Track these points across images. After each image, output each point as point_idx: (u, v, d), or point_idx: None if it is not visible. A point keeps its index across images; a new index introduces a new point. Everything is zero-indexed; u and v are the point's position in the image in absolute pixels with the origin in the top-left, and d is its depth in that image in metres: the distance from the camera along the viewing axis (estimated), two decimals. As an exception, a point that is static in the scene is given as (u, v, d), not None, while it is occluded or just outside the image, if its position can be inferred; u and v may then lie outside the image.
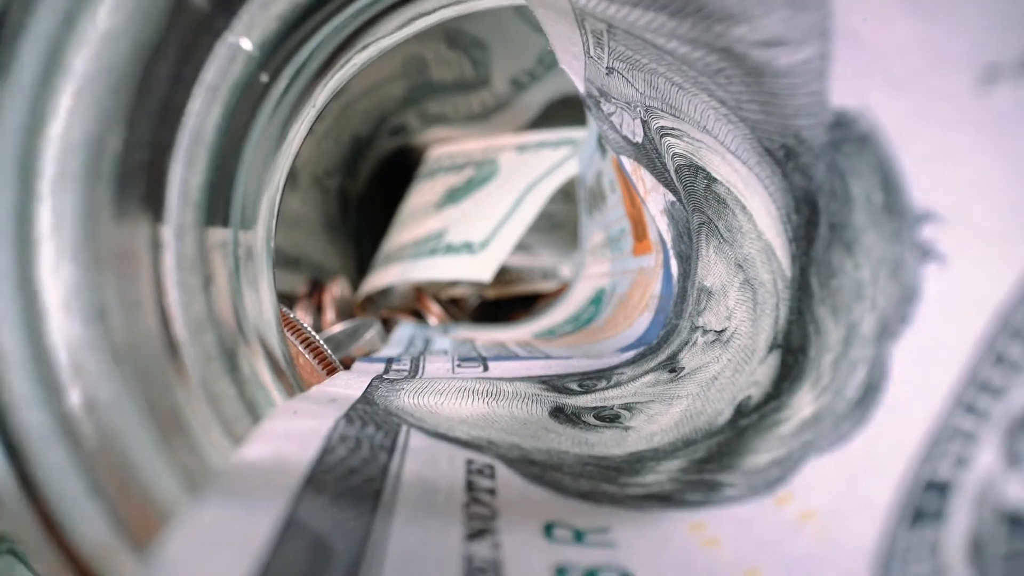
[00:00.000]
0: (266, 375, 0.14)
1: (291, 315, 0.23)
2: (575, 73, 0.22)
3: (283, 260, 0.49)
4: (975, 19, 0.08)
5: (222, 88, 0.12)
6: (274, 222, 0.17)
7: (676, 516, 0.12)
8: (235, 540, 0.09)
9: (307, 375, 0.21)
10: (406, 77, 0.51)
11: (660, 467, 0.15)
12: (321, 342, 0.23)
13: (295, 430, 0.13)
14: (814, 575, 0.10)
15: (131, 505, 0.10)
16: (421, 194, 0.51)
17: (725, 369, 0.18)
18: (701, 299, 0.22)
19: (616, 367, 0.24)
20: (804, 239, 0.15)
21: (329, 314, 0.46)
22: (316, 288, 0.50)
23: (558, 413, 0.19)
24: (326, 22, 0.14)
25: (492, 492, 0.13)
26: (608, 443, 0.17)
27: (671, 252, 0.25)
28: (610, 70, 0.20)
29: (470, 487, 0.12)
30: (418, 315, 0.47)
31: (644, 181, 0.25)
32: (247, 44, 0.12)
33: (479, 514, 0.12)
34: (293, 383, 0.16)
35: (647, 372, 0.22)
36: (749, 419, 0.15)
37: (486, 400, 0.19)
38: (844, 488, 0.11)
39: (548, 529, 0.12)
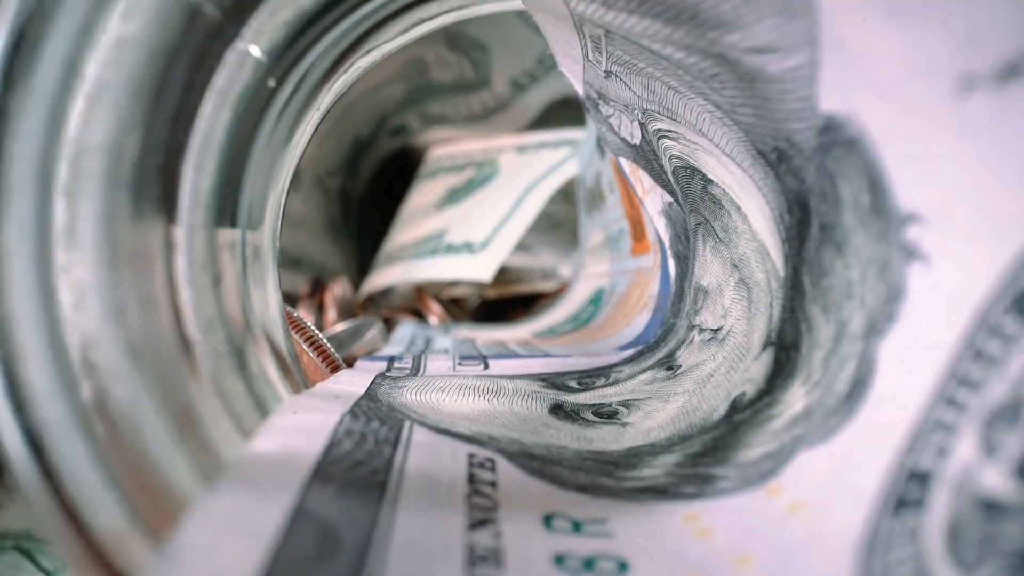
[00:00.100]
0: (273, 372, 0.15)
1: (295, 314, 0.24)
2: (574, 76, 0.23)
3: (285, 260, 0.49)
4: (952, 31, 0.08)
5: (231, 93, 0.13)
6: (279, 222, 0.18)
7: (671, 508, 0.13)
8: (248, 528, 0.09)
9: (311, 373, 0.22)
10: (406, 78, 0.51)
11: (656, 461, 0.16)
12: (324, 341, 0.23)
13: (302, 425, 0.13)
14: (802, 562, 0.10)
15: (147, 495, 0.11)
16: (422, 194, 0.51)
17: (721, 366, 0.19)
18: (698, 298, 0.23)
19: (615, 365, 0.24)
20: (796, 239, 0.15)
21: (331, 313, 0.47)
22: (318, 288, 0.51)
23: (557, 410, 0.19)
24: (331, 28, 0.15)
25: (493, 485, 0.13)
26: (606, 439, 0.17)
27: (669, 252, 0.26)
28: (608, 74, 0.20)
29: (472, 479, 0.13)
30: (419, 315, 0.47)
31: (642, 182, 0.26)
32: (256, 51, 0.13)
33: (481, 505, 0.12)
34: (299, 380, 0.16)
35: (645, 370, 0.23)
36: (743, 415, 0.16)
37: (487, 397, 0.20)
38: (832, 479, 0.11)
39: (547, 520, 0.12)
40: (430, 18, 0.18)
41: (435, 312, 0.47)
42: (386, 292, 0.50)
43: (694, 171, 0.20)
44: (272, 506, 0.10)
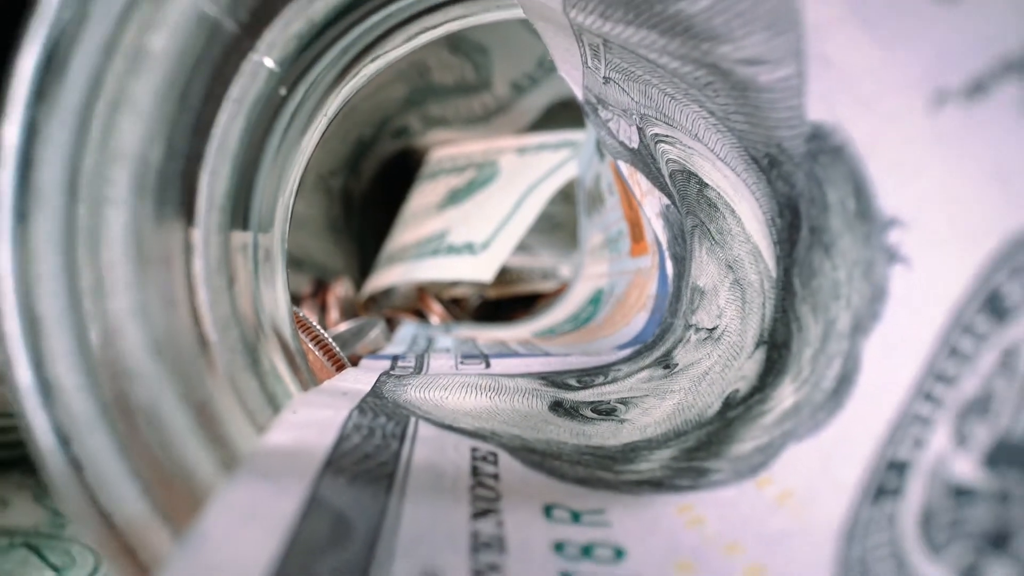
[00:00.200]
0: (283, 369, 0.15)
1: (300, 314, 0.24)
2: (574, 81, 0.23)
3: (288, 261, 0.50)
4: (924, 50, 0.09)
5: (246, 102, 0.13)
6: (287, 224, 0.18)
7: (666, 499, 0.13)
8: (265, 516, 0.10)
9: (318, 371, 0.22)
10: (408, 80, 0.52)
11: (653, 456, 0.16)
12: (330, 340, 0.24)
13: (313, 419, 0.14)
14: (787, 548, 0.11)
15: (168, 486, 0.11)
16: (423, 195, 0.52)
17: (715, 365, 0.19)
18: (694, 298, 0.23)
19: (613, 364, 0.25)
20: (787, 242, 0.16)
21: (333, 313, 0.47)
22: (320, 288, 0.51)
23: (557, 407, 0.20)
24: (340, 39, 0.15)
25: (496, 477, 0.14)
26: (604, 434, 0.18)
27: (666, 253, 0.26)
28: (607, 80, 0.21)
29: (475, 472, 0.13)
30: (420, 315, 0.48)
31: (640, 185, 0.26)
32: (269, 62, 0.13)
33: (484, 496, 0.13)
34: (307, 377, 0.17)
35: (643, 368, 0.23)
36: (736, 411, 0.16)
37: (489, 395, 0.20)
38: (818, 471, 0.12)
39: (547, 510, 0.13)
40: (434, 27, 0.19)
41: (436, 312, 0.47)
42: (388, 292, 0.50)
43: (690, 175, 0.21)
44: (287, 496, 0.10)
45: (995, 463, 0.08)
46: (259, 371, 0.14)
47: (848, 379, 0.12)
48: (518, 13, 0.20)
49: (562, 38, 0.20)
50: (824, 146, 0.13)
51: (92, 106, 0.11)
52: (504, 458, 0.15)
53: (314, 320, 0.25)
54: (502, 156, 0.50)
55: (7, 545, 0.26)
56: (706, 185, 0.20)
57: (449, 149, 0.54)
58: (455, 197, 0.49)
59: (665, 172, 0.23)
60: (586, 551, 0.11)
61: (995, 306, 0.09)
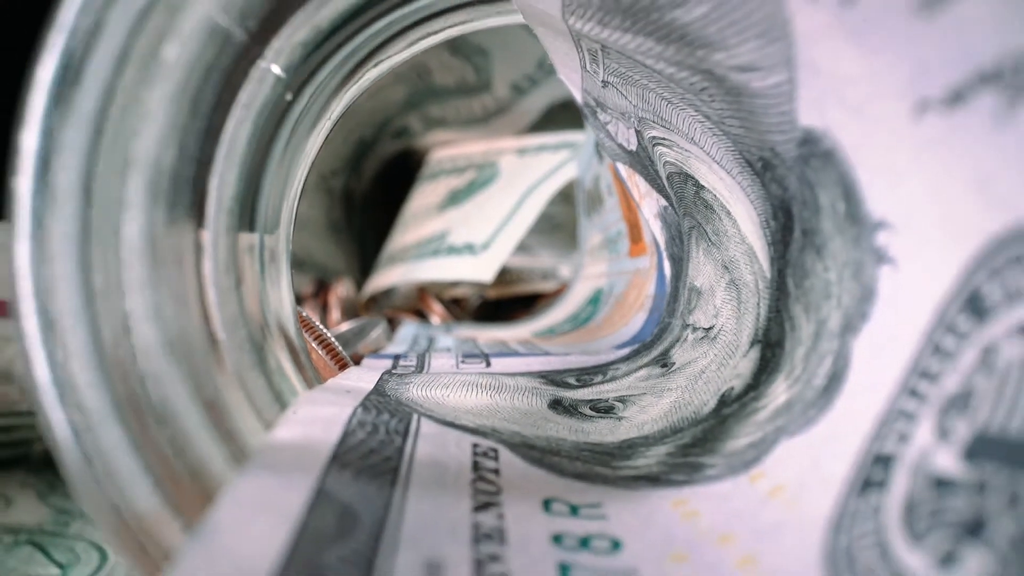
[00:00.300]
0: (289, 368, 0.16)
1: (304, 314, 0.25)
2: (573, 84, 0.24)
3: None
4: (907, 61, 0.09)
5: (253, 107, 0.14)
6: (292, 226, 0.19)
7: (662, 493, 0.14)
8: (274, 507, 0.10)
9: (320, 369, 0.23)
10: (408, 82, 0.52)
11: (649, 452, 0.16)
12: (333, 339, 0.24)
13: (318, 416, 0.14)
14: (778, 538, 0.11)
15: (179, 480, 0.11)
16: (423, 196, 0.52)
17: (711, 363, 0.20)
18: (692, 299, 0.24)
19: (612, 363, 0.25)
20: (781, 243, 0.16)
21: (335, 313, 0.48)
22: (322, 288, 0.51)
23: (556, 405, 0.20)
24: (344, 45, 0.16)
25: (496, 472, 0.14)
26: (602, 431, 0.18)
27: (664, 254, 0.27)
28: (605, 83, 0.21)
29: (476, 467, 0.14)
30: (421, 315, 0.48)
31: (639, 187, 0.27)
32: (276, 69, 0.14)
33: (485, 490, 0.13)
34: (311, 375, 0.17)
35: (641, 367, 0.24)
36: (731, 408, 0.17)
37: (489, 393, 0.20)
38: (809, 465, 0.12)
39: (547, 504, 0.13)
40: (435, 32, 0.19)
41: (437, 312, 0.48)
42: (388, 292, 0.51)
43: (687, 177, 0.21)
44: (295, 488, 0.11)
45: (973, 456, 0.09)
46: (266, 369, 0.14)
47: (838, 377, 0.13)
48: (518, 19, 0.20)
49: (561, 43, 0.20)
50: (815, 150, 0.13)
51: (107, 113, 0.11)
52: (504, 454, 0.15)
53: (316, 320, 0.26)
54: (502, 157, 0.50)
55: (12, 542, 0.26)
56: (703, 187, 0.20)
57: (449, 150, 0.54)
58: (455, 198, 0.50)
59: (663, 174, 0.23)
60: (584, 543, 0.12)
61: (976, 306, 0.09)
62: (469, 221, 0.47)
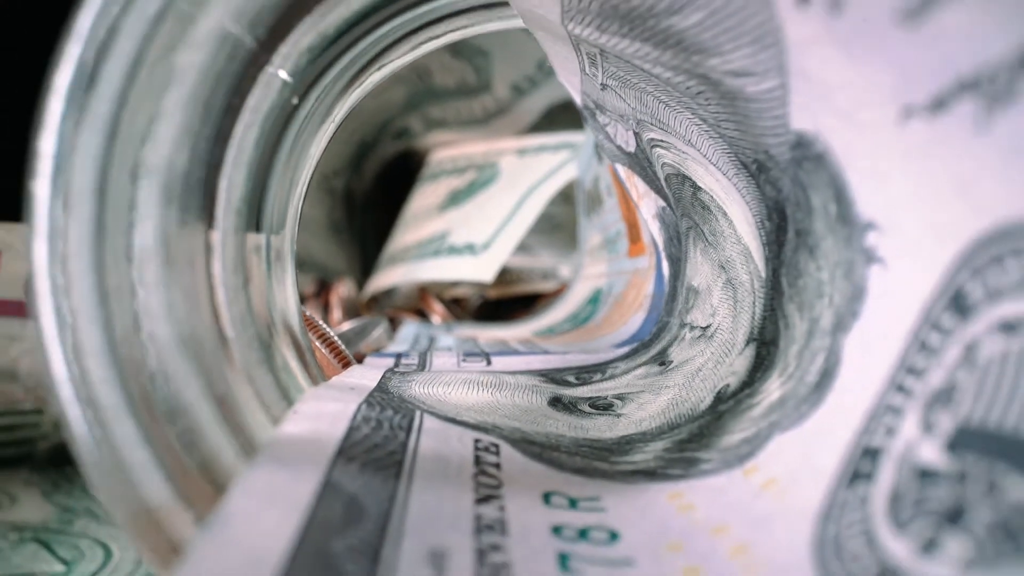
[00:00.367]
0: (295, 365, 0.16)
1: (307, 313, 0.25)
2: (572, 87, 0.24)
3: (292, 261, 0.50)
4: (892, 67, 0.10)
5: (261, 112, 0.14)
6: (296, 226, 0.19)
7: (658, 487, 0.14)
8: (284, 498, 0.11)
9: (324, 367, 0.23)
10: (409, 83, 0.52)
11: (647, 448, 0.17)
12: (336, 338, 0.25)
13: (324, 412, 0.14)
14: (770, 528, 0.11)
15: (190, 473, 0.12)
16: (424, 196, 0.52)
17: (708, 361, 0.20)
18: (689, 298, 0.24)
19: (611, 361, 0.26)
20: (776, 243, 0.17)
21: (336, 313, 0.48)
22: (323, 288, 0.52)
23: (556, 402, 0.21)
24: (349, 50, 0.16)
25: (497, 466, 0.14)
26: (601, 428, 0.19)
27: (663, 254, 0.27)
28: (604, 86, 0.22)
29: (478, 461, 0.14)
30: (422, 314, 0.48)
31: (637, 187, 0.27)
32: (284, 74, 0.14)
33: (486, 483, 0.13)
34: (316, 373, 0.18)
35: (639, 365, 0.24)
36: (726, 404, 0.17)
37: (490, 390, 0.21)
38: (800, 459, 0.12)
39: (546, 497, 0.13)
40: (437, 36, 0.19)
41: (438, 312, 0.48)
42: (389, 292, 0.51)
43: (685, 178, 0.22)
44: (304, 481, 0.11)
45: (956, 447, 0.09)
46: (273, 366, 0.15)
47: (830, 373, 0.13)
48: (519, 23, 0.21)
49: (560, 47, 0.21)
50: (807, 153, 0.13)
51: (121, 118, 0.11)
52: (505, 449, 0.15)
53: (319, 319, 0.26)
54: (502, 158, 0.50)
55: (17, 539, 0.26)
56: (700, 188, 0.21)
57: (450, 151, 0.54)
58: (456, 198, 0.50)
59: (661, 175, 0.23)
60: (582, 534, 0.12)
61: (959, 304, 0.10)
62: (470, 221, 0.47)
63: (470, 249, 0.46)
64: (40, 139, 0.11)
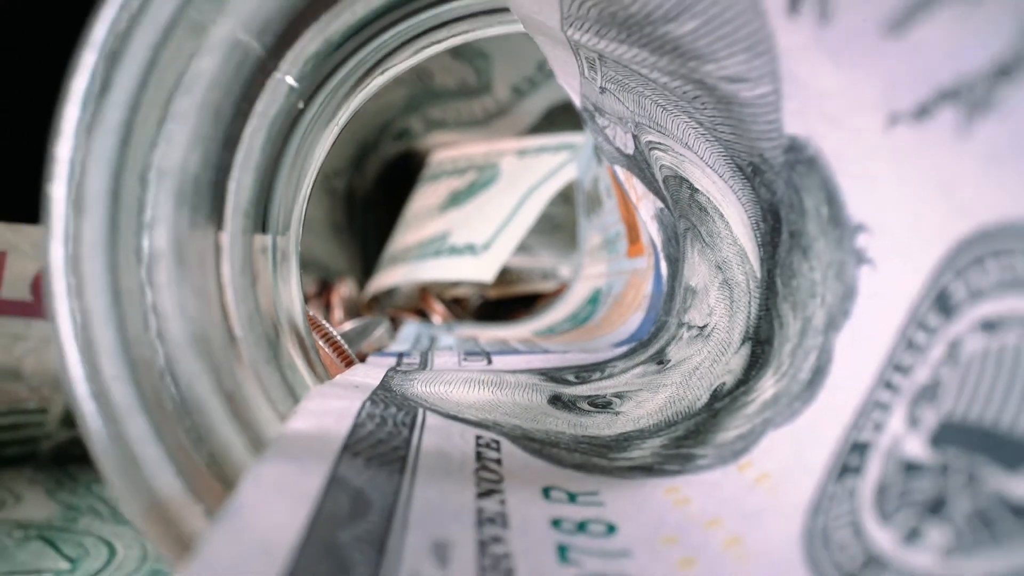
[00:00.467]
0: (300, 363, 0.16)
1: (311, 312, 0.25)
2: (572, 89, 0.24)
3: (293, 261, 0.51)
4: (878, 76, 0.10)
5: (268, 116, 0.14)
6: (301, 227, 0.20)
7: (655, 482, 0.15)
8: (293, 491, 0.11)
9: (328, 366, 0.23)
10: (409, 84, 0.52)
11: (644, 444, 0.17)
12: (339, 337, 0.25)
13: (330, 409, 0.15)
14: (762, 521, 0.12)
15: (200, 468, 0.12)
16: (425, 197, 0.53)
17: (705, 360, 0.20)
18: (687, 298, 0.24)
19: (610, 360, 0.26)
20: (770, 244, 0.17)
21: (337, 313, 0.48)
22: (325, 288, 0.52)
23: (556, 400, 0.21)
24: (353, 55, 0.16)
25: (498, 462, 0.15)
26: (600, 425, 0.19)
27: (661, 255, 0.27)
28: (603, 89, 0.22)
29: (479, 457, 0.15)
30: (422, 314, 0.49)
31: (636, 189, 0.27)
32: (290, 80, 0.14)
33: (488, 478, 0.14)
34: (321, 371, 0.18)
35: (638, 364, 0.24)
36: (722, 402, 0.17)
37: (491, 389, 0.21)
38: (792, 454, 0.13)
39: (546, 491, 0.14)
40: (440, 41, 0.20)
41: (438, 312, 0.48)
42: (390, 292, 0.51)
43: (682, 180, 0.22)
44: (312, 474, 0.12)
45: (939, 441, 0.09)
46: (280, 364, 0.15)
47: (822, 371, 0.13)
48: (519, 27, 0.21)
49: (560, 51, 0.21)
50: (800, 157, 0.14)
51: (134, 123, 0.12)
52: (506, 445, 0.16)
53: (322, 319, 0.26)
54: (503, 158, 0.51)
55: (22, 537, 0.27)
56: (697, 190, 0.21)
57: (450, 151, 0.54)
58: (456, 199, 0.50)
59: (659, 177, 0.24)
60: (581, 526, 0.13)
61: (943, 304, 0.10)
62: (470, 222, 0.47)
63: (471, 249, 0.46)
64: (57, 144, 0.12)
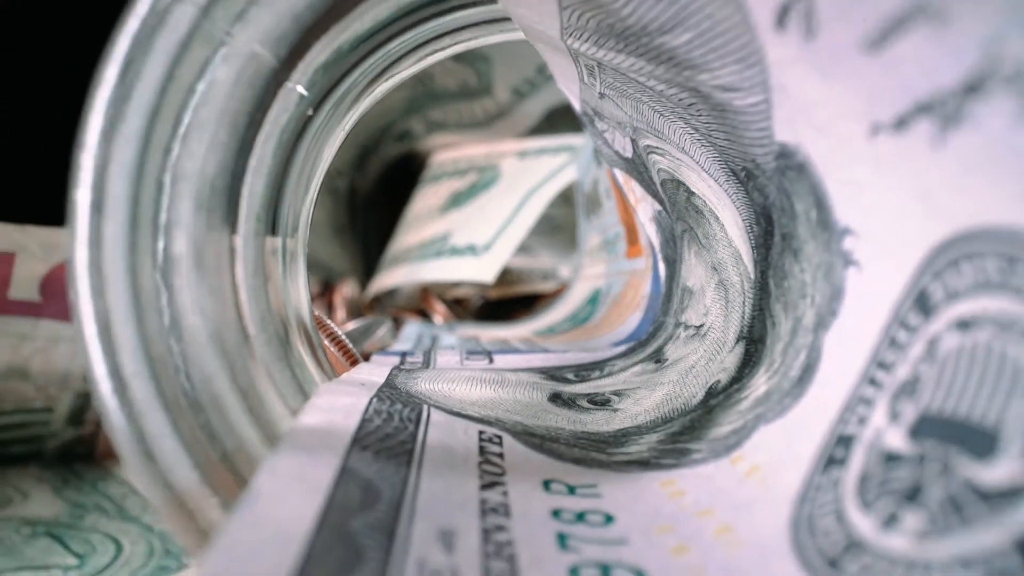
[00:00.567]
0: (309, 361, 0.17)
1: (317, 313, 0.26)
2: (571, 94, 0.25)
3: (296, 262, 0.51)
4: (860, 88, 0.10)
5: (279, 123, 0.15)
6: (308, 228, 0.20)
7: (652, 476, 0.15)
8: (307, 481, 0.12)
9: (333, 365, 0.24)
10: (411, 86, 0.53)
11: (642, 440, 0.18)
12: (344, 336, 0.26)
13: (338, 405, 0.15)
14: (752, 510, 0.12)
15: (214, 461, 0.13)
16: (426, 198, 0.53)
17: (701, 359, 0.21)
18: (684, 298, 0.25)
19: (609, 359, 0.26)
20: (764, 246, 0.18)
21: (340, 313, 0.49)
22: (327, 288, 0.53)
23: (556, 398, 0.22)
24: (361, 63, 0.17)
25: (500, 456, 0.15)
26: (599, 422, 0.20)
27: (659, 256, 0.28)
28: (602, 95, 0.23)
29: (482, 451, 0.15)
30: (424, 314, 0.49)
31: (634, 191, 0.28)
32: (301, 89, 0.15)
33: (490, 471, 0.14)
34: (328, 368, 0.19)
35: (636, 363, 0.25)
36: (717, 399, 0.18)
37: (492, 387, 0.22)
38: (782, 448, 0.13)
39: (546, 484, 0.14)
40: (443, 48, 0.20)
41: (440, 312, 0.49)
42: (392, 292, 0.52)
43: (679, 183, 0.22)
44: (324, 465, 0.12)
45: (917, 433, 0.10)
46: (291, 361, 0.16)
47: (811, 368, 0.14)
48: (521, 35, 0.21)
49: (560, 58, 0.22)
50: (790, 163, 0.14)
51: (153, 132, 0.12)
52: (508, 440, 0.16)
53: (327, 319, 0.27)
54: (503, 160, 0.51)
55: (30, 534, 0.27)
56: (693, 193, 0.22)
57: (451, 153, 0.55)
58: (457, 200, 0.51)
59: (657, 180, 0.24)
60: (580, 516, 0.13)
61: (922, 304, 0.11)
62: (471, 223, 0.48)
63: (471, 250, 0.46)
64: (81, 152, 0.12)
